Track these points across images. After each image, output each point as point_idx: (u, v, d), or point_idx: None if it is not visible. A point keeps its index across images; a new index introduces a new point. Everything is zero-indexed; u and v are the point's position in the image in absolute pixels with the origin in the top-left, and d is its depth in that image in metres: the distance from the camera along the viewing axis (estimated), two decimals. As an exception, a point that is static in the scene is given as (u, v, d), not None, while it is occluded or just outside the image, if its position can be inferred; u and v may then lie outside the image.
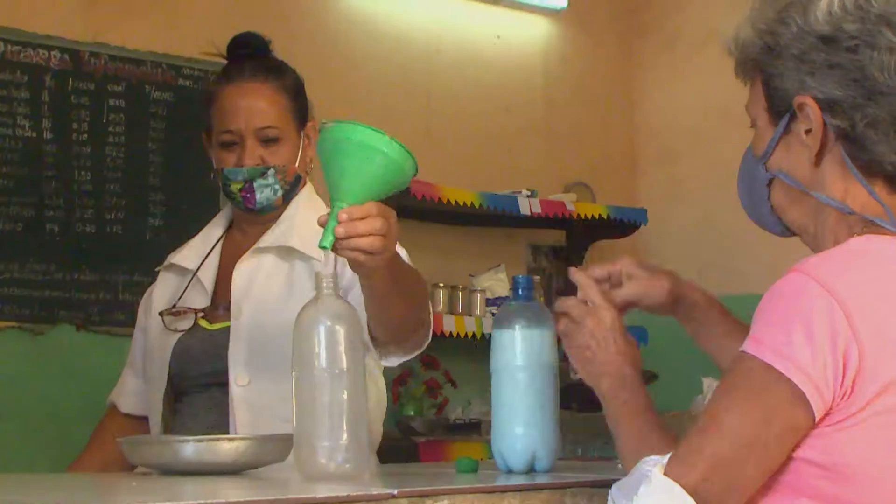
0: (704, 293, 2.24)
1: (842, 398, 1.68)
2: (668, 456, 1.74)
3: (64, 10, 5.03)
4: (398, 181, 2.13)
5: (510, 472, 2.20)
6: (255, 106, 2.74)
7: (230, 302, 2.73)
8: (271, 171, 2.73)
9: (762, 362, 1.69)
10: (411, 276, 2.45)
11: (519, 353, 2.21)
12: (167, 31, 5.26)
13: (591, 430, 2.77)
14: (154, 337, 2.82)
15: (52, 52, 4.97)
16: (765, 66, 1.88)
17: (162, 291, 2.87)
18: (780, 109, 1.87)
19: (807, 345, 1.66)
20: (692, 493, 1.69)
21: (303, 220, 2.73)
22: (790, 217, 1.93)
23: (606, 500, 1.81)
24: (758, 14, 1.89)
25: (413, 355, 2.67)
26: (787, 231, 1.96)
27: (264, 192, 2.73)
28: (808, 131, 1.84)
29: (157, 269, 2.95)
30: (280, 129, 2.75)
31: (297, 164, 2.77)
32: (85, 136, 5.03)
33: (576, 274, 2.13)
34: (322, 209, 2.50)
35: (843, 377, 1.67)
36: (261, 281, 2.72)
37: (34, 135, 4.91)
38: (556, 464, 2.22)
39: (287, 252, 2.73)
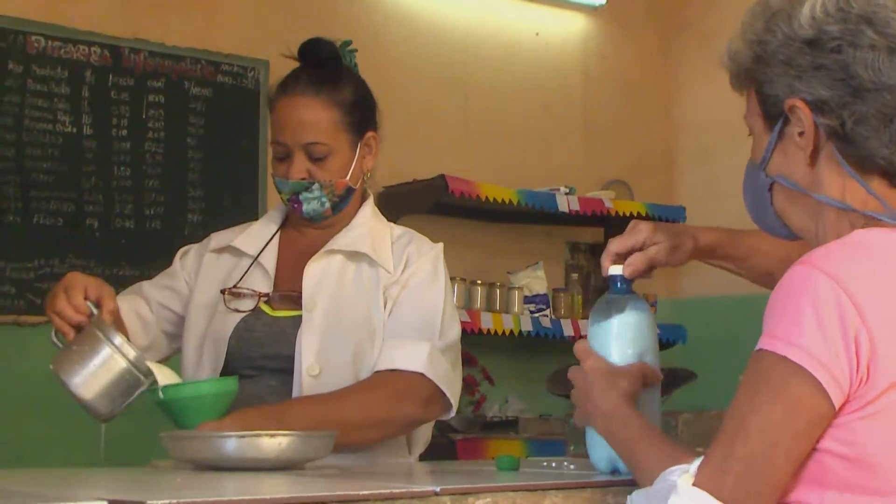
0: (715, 233, 2.37)
1: (858, 385, 1.69)
2: (696, 464, 1.75)
3: (104, 6, 5.05)
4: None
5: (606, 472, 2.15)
6: (304, 121, 2.76)
7: (295, 293, 2.78)
8: (316, 186, 2.78)
9: (777, 356, 1.70)
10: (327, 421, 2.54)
11: (614, 347, 2.15)
12: (206, 26, 5.28)
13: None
14: (205, 315, 2.84)
15: (93, 48, 5.00)
16: (756, 75, 1.92)
17: (214, 271, 2.89)
18: (774, 115, 1.90)
19: (819, 334, 1.68)
20: (727, 499, 1.70)
21: (373, 228, 2.86)
22: (793, 220, 1.96)
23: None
24: (748, 26, 1.93)
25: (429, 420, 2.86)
26: (793, 234, 1.99)
27: (311, 203, 2.80)
28: (800, 133, 1.87)
29: (211, 248, 2.94)
30: (328, 144, 2.77)
31: (348, 178, 2.80)
32: (124, 131, 5.06)
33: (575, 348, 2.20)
34: (385, 222, 2.88)
35: (858, 363, 1.68)
36: (332, 279, 2.79)
37: (74, 130, 4.94)
38: None
39: (357, 256, 2.82)
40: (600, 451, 2.14)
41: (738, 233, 2.39)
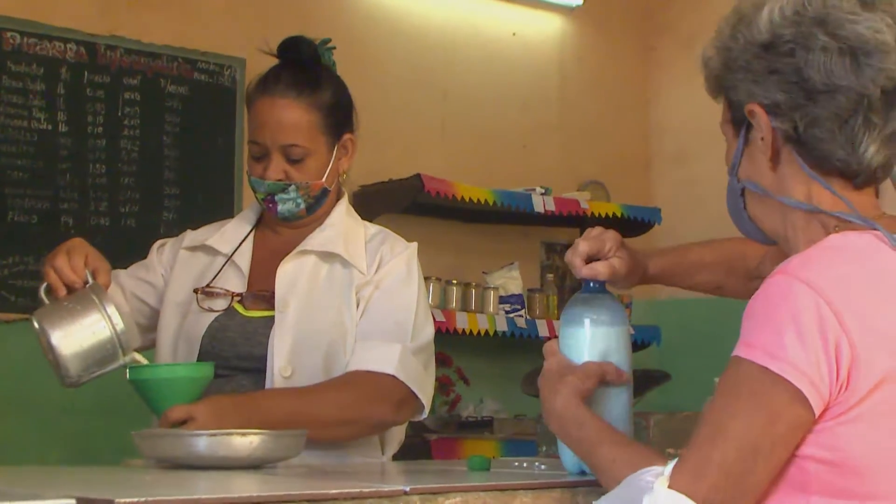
0: (662, 260, 2.38)
1: (839, 392, 1.69)
2: (671, 466, 1.74)
3: (80, 3, 5.04)
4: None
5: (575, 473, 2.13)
6: (283, 122, 2.76)
7: (268, 293, 2.79)
8: (292, 187, 2.78)
9: (757, 365, 1.70)
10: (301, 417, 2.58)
11: (587, 348, 2.13)
12: (183, 24, 5.28)
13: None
14: (179, 313, 2.84)
15: (68, 45, 4.98)
16: (724, 82, 1.93)
17: (188, 268, 2.90)
18: (739, 120, 1.92)
19: (798, 343, 1.68)
20: (703, 502, 1.69)
21: (347, 228, 2.86)
22: (765, 224, 1.97)
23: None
24: (718, 34, 1.94)
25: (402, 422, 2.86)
26: (770, 239, 1.99)
27: (286, 204, 2.81)
28: (762, 138, 1.88)
29: (185, 245, 2.94)
30: (306, 147, 2.78)
31: (324, 179, 2.80)
32: (100, 129, 5.05)
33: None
34: (359, 221, 2.87)
35: (838, 371, 1.68)
36: (304, 280, 2.80)
37: (49, 127, 4.93)
38: None
39: (330, 256, 2.82)
40: (569, 451, 2.13)
41: (683, 250, 2.41)
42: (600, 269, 2.20)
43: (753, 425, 1.70)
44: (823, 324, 1.68)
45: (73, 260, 2.54)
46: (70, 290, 2.52)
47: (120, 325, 2.45)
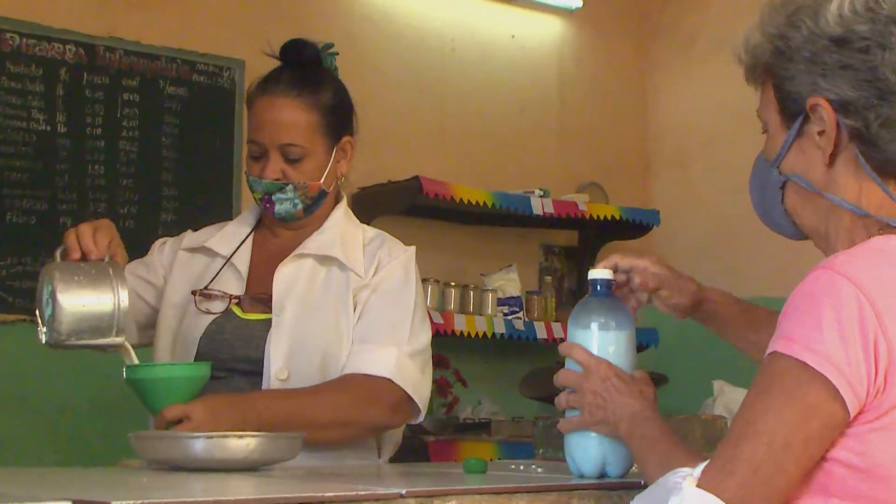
0: (721, 294, 2.32)
1: (875, 394, 1.67)
2: (701, 467, 1.72)
3: (79, 5, 5.04)
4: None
5: (582, 476, 2.14)
6: (281, 122, 2.77)
7: (265, 296, 2.80)
8: (290, 187, 2.79)
9: (795, 360, 1.68)
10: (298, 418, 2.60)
11: (595, 351, 2.14)
12: (182, 25, 5.27)
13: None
14: (176, 314, 2.85)
15: (67, 46, 4.98)
16: (776, 70, 1.89)
17: (187, 269, 2.91)
18: (793, 112, 1.88)
19: (839, 341, 1.66)
20: (731, 501, 1.67)
21: (345, 231, 2.87)
22: (803, 220, 1.93)
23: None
24: (767, 19, 1.90)
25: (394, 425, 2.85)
26: (800, 234, 1.97)
27: (283, 204, 2.81)
28: (820, 133, 1.85)
29: (184, 246, 2.95)
30: (305, 147, 2.79)
31: (322, 180, 2.81)
32: (99, 130, 5.04)
33: (562, 348, 2.19)
34: (357, 224, 2.87)
35: (876, 373, 1.66)
36: (302, 283, 2.81)
37: (48, 128, 4.92)
38: (631, 471, 2.16)
39: (328, 260, 2.83)
40: (591, 453, 2.14)
41: (751, 304, 2.34)
42: (615, 260, 2.24)
43: (786, 421, 1.68)
44: (864, 323, 1.66)
45: (97, 234, 2.58)
46: (85, 259, 2.54)
47: (125, 304, 2.47)
